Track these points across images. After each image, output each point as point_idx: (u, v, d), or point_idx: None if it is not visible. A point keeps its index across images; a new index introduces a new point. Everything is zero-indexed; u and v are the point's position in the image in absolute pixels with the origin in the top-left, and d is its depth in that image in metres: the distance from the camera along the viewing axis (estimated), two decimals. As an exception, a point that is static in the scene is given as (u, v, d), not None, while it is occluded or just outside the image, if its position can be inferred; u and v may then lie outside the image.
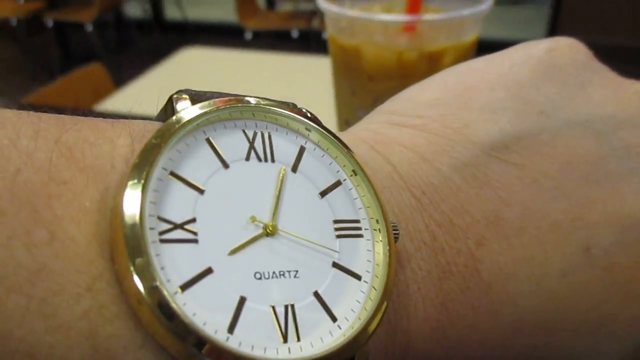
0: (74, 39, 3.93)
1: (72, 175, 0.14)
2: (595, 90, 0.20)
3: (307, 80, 1.37)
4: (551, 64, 0.20)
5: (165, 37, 4.34)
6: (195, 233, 0.15)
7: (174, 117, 0.16)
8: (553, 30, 3.76)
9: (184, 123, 0.16)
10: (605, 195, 0.17)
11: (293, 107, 0.18)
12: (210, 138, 0.16)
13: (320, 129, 0.18)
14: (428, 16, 0.33)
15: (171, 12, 4.62)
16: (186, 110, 0.16)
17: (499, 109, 0.19)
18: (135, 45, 4.27)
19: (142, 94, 1.46)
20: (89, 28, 3.41)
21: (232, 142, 0.16)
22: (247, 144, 0.17)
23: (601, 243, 0.17)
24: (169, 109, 0.17)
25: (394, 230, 0.17)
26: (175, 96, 0.17)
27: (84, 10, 3.45)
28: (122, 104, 1.40)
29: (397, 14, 0.39)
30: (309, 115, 0.18)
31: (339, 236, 0.17)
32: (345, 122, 0.39)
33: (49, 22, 3.51)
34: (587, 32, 3.73)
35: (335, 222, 0.17)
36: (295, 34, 3.33)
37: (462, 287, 0.17)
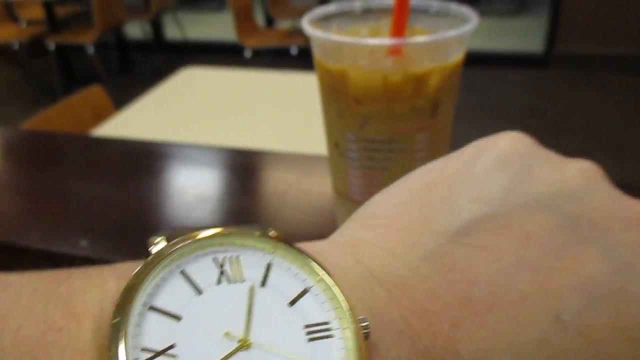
0: (76, 61, 3.96)
1: (67, 322, 0.16)
2: (541, 172, 0.22)
3: (307, 97, 1.37)
4: (498, 155, 0.23)
5: (166, 57, 4.38)
6: (175, 356, 0.16)
7: (150, 257, 0.18)
8: (551, 40, 3.78)
9: (159, 260, 0.18)
10: (565, 263, 0.19)
11: (260, 229, 0.20)
12: (184, 269, 0.18)
13: (286, 245, 0.19)
14: (413, 39, 0.33)
15: (171, 33, 4.66)
16: (162, 248, 0.19)
17: (457, 200, 0.21)
18: (136, 66, 4.31)
19: (142, 115, 1.47)
20: (90, 50, 3.44)
21: (203, 270, 0.18)
22: (218, 269, 0.18)
23: (570, 309, 0.18)
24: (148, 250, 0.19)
25: (363, 326, 0.18)
26: (151, 238, 0.19)
27: (85, 33, 3.49)
28: (122, 127, 1.41)
29: (382, 36, 0.39)
30: (275, 235, 0.20)
31: (310, 339, 0.18)
32: (335, 144, 0.39)
33: (51, 46, 3.55)
34: (585, 43, 3.75)
35: (306, 327, 0.18)
36: (294, 51, 3.36)
37: None
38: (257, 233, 0.20)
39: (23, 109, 3.41)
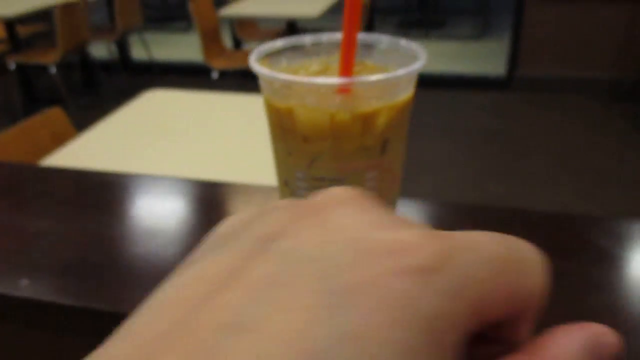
0: (38, 81, 3.88)
1: None
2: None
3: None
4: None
5: (131, 77, 4.33)
6: None
7: None
8: (513, 64, 3.89)
9: None
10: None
11: None
12: None
13: None
14: (360, 79, 0.33)
15: (138, 53, 4.62)
16: None
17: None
18: (101, 86, 4.25)
19: (103, 140, 1.44)
20: (53, 70, 3.38)
21: None
22: None
23: None
24: None
25: None
26: None
27: (47, 53, 3.42)
28: (81, 152, 1.38)
29: (332, 72, 0.39)
30: None
31: None
32: (285, 182, 0.38)
33: (12, 65, 3.47)
34: (545, 66, 3.89)
35: None
36: (261, 72, 3.35)
37: None
38: None
39: (-19, 130, 3.30)
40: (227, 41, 3.76)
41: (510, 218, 0.55)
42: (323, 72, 0.40)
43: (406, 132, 0.38)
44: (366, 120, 0.34)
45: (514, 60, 3.91)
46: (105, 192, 0.62)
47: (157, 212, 0.58)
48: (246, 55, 3.48)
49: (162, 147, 1.38)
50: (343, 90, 0.34)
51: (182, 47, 5.27)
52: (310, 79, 0.33)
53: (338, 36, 0.41)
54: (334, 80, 0.33)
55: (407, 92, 0.36)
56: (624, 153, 3.06)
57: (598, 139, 3.23)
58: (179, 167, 1.24)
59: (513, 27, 3.87)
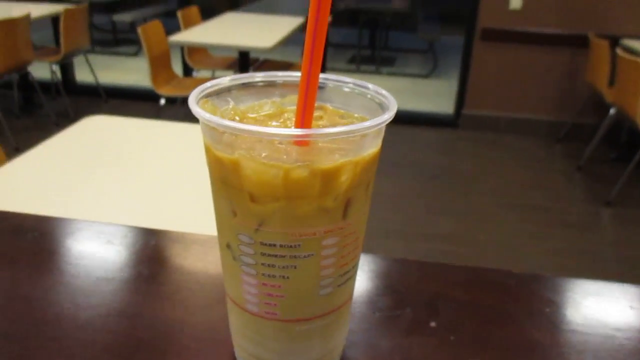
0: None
1: None
2: None
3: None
4: None
5: (76, 100, 4.15)
6: None
7: None
8: (461, 103, 3.97)
9: None
10: None
11: None
12: None
13: None
14: (323, 131, 0.27)
15: (83, 76, 4.45)
16: None
17: None
18: (41, 108, 4.05)
19: (34, 168, 1.32)
20: (-12, 90, 3.18)
21: None
22: None
23: None
24: None
25: None
26: None
27: (-17, 71, 3.23)
28: (9, 180, 1.26)
29: (286, 119, 0.33)
30: None
31: None
32: (227, 245, 0.32)
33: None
34: (490, 106, 3.99)
35: None
36: (211, 101, 3.28)
37: None
38: None
39: None
40: (177, 67, 3.67)
41: (472, 277, 0.50)
42: (277, 116, 0.34)
43: (371, 190, 0.33)
44: (327, 178, 0.29)
45: (461, 99, 4.00)
46: (21, 241, 0.53)
47: (83, 263, 0.50)
48: (196, 82, 3.40)
49: (96, 179, 1.28)
50: (301, 142, 0.28)
51: (131, 72, 5.13)
52: (261, 128, 0.27)
53: (295, 76, 0.36)
54: (292, 131, 0.28)
55: (374, 147, 0.31)
56: (567, 192, 3.15)
57: (541, 178, 3.31)
58: (113, 205, 1.14)
59: (461, 68, 3.97)
